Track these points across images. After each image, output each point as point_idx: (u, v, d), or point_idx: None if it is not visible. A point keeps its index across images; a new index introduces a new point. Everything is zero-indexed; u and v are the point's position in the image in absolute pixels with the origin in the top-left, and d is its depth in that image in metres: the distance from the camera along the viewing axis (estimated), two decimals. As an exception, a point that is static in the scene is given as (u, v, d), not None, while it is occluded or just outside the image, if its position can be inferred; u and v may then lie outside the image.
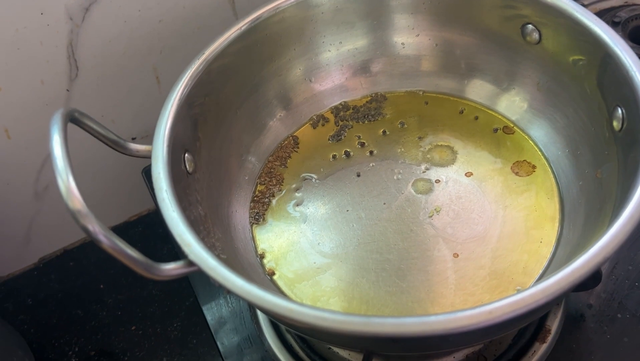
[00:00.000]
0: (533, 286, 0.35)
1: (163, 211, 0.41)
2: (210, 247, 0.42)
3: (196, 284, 0.62)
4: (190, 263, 0.40)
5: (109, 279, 0.78)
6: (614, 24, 0.71)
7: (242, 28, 0.54)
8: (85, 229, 0.36)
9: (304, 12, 0.57)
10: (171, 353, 0.71)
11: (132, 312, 0.75)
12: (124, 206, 0.82)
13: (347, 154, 0.60)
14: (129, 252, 0.37)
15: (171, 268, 0.40)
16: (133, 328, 0.74)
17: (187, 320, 0.74)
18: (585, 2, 0.77)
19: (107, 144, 0.46)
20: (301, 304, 0.36)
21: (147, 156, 0.46)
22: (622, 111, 0.46)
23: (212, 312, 0.59)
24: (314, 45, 0.60)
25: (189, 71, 0.50)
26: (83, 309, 0.76)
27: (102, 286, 0.78)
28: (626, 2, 0.76)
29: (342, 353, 0.53)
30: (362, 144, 0.60)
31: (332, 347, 0.53)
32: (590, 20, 0.48)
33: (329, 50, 0.61)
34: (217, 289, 0.60)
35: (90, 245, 0.83)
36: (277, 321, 0.47)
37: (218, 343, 0.57)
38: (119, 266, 0.81)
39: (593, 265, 0.35)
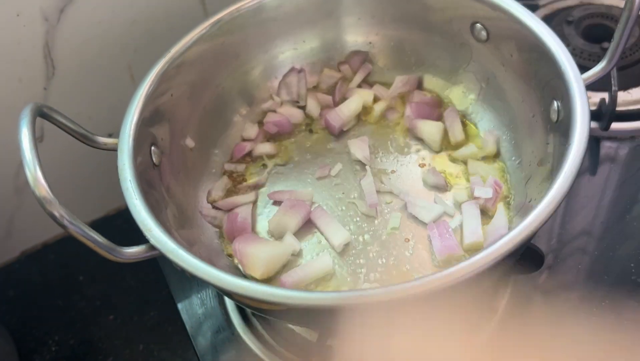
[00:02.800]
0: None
1: (127, 198, 0.45)
2: (173, 234, 0.45)
3: (171, 281, 0.65)
4: (152, 247, 0.43)
5: (88, 271, 0.81)
6: (567, 23, 0.74)
7: (207, 28, 0.57)
8: (52, 216, 0.39)
9: (267, 13, 0.60)
10: (148, 340, 0.74)
11: (110, 302, 0.78)
12: (104, 200, 0.84)
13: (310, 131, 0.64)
14: (93, 236, 0.40)
15: (133, 251, 0.43)
16: (111, 317, 0.76)
17: (163, 309, 0.76)
18: (542, 2, 0.80)
19: (76, 138, 0.49)
20: (253, 282, 0.39)
21: (115, 149, 0.49)
22: (557, 103, 0.49)
23: (186, 308, 0.62)
24: (278, 44, 0.63)
25: (155, 68, 0.53)
26: (63, 300, 0.79)
27: (81, 278, 0.80)
28: (581, 2, 0.79)
29: (304, 333, 0.56)
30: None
31: (294, 329, 0.57)
32: (530, 20, 0.52)
33: (294, 49, 0.65)
34: (190, 286, 0.63)
35: (69, 239, 0.84)
36: (236, 301, 0.50)
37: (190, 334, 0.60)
38: (97, 259, 0.85)
39: (519, 241, 0.38)
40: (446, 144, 0.61)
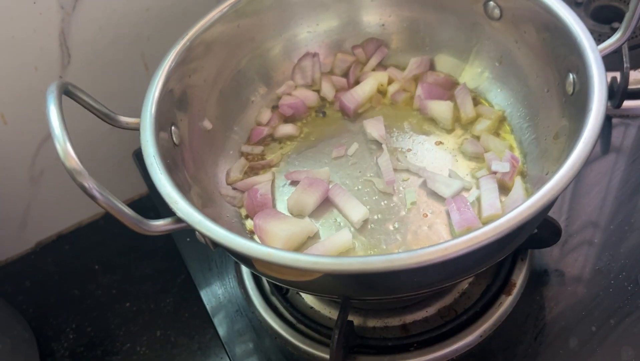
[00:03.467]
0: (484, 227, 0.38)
1: (152, 173, 0.45)
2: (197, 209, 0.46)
3: (190, 265, 0.65)
4: (178, 220, 0.43)
5: (104, 261, 0.82)
6: (576, 5, 0.75)
7: (223, 10, 0.57)
8: (82, 186, 0.39)
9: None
10: (165, 326, 0.74)
11: (126, 291, 0.79)
12: (117, 190, 0.83)
13: (323, 113, 0.64)
14: (121, 208, 0.41)
15: (160, 224, 0.43)
16: (127, 304, 0.77)
17: (179, 296, 0.77)
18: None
19: (98, 117, 0.50)
20: (278, 249, 0.40)
21: (136, 128, 0.49)
22: (573, 76, 0.50)
23: (206, 291, 0.62)
24: (292, 26, 0.64)
25: (174, 50, 0.54)
26: (79, 289, 0.79)
27: (97, 267, 0.81)
28: (589, -16, 0.80)
29: (323, 311, 0.57)
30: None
31: (313, 306, 0.57)
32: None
33: (308, 32, 0.65)
34: (210, 268, 0.63)
35: (84, 229, 0.86)
36: (260, 273, 0.50)
37: (210, 314, 0.60)
38: (112, 248, 0.86)
39: (537, 208, 0.39)
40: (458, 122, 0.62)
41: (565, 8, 0.51)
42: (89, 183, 0.39)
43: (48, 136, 0.73)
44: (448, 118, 0.60)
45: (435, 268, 0.39)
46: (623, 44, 0.49)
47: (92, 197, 0.40)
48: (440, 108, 0.61)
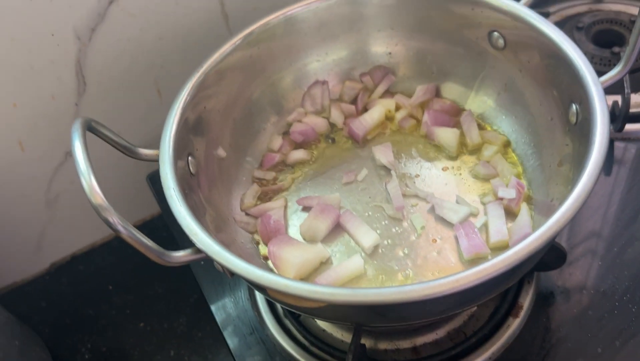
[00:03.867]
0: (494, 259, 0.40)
1: (172, 206, 0.47)
2: (214, 238, 0.48)
3: (203, 285, 0.67)
4: (197, 250, 0.45)
5: (117, 281, 0.83)
6: (577, 29, 0.77)
7: (236, 43, 0.59)
8: (107, 221, 0.41)
9: (292, 27, 0.63)
10: (178, 346, 0.76)
11: (140, 310, 0.80)
12: (130, 211, 0.87)
13: (332, 140, 0.67)
14: (144, 241, 0.42)
15: (181, 255, 0.45)
16: (141, 324, 0.79)
17: (192, 316, 0.79)
18: (552, 10, 0.83)
19: (119, 150, 0.52)
20: (294, 280, 0.41)
21: (155, 160, 0.51)
22: (576, 106, 0.52)
23: (219, 310, 0.64)
24: (302, 56, 0.66)
25: (190, 82, 0.56)
26: (94, 309, 0.81)
27: (110, 287, 0.83)
28: (590, 8, 0.82)
29: (336, 334, 0.58)
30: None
31: (326, 329, 0.59)
32: (547, 27, 0.54)
33: (317, 61, 0.67)
34: (223, 289, 0.65)
35: (97, 250, 0.88)
36: (275, 300, 0.52)
37: (225, 336, 0.62)
38: (126, 269, 0.88)
39: (545, 239, 0.41)
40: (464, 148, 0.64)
41: (568, 41, 0.53)
42: (114, 218, 0.41)
43: (63, 162, 0.75)
44: (453, 145, 0.62)
45: (445, 299, 0.40)
46: (624, 76, 0.51)
47: (117, 231, 0.41)
48: (446, 135, 0.63)
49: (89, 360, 0.76)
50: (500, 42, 0.60)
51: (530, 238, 0.41)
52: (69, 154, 0.75)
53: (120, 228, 0.41)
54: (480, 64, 0.63)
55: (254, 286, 0.47)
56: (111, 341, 0.78)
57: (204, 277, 0.67)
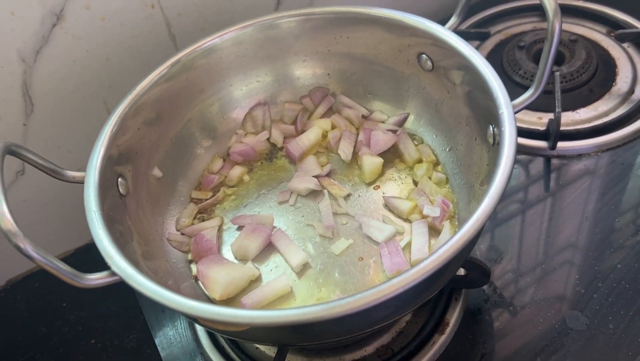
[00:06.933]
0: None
1: (91, 228, 0.48)
2: (140, 264, 0.49)
3: (145, 311, 0.68)
4: (113, 273, 0.46)
5: (72, 298, 0.84)
6: (519, 48, 0.78)
7: (169, 67, 0.61)
8: (17, 247, 0.42)
9: (221, 53, 0.65)
10: (127, 362, 0.77)
11: (92, 327, 0.81)
12: (86, 228, 0.88)
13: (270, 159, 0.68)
14: (57, 264, 0.44)
15: (96, 277, 0.46)
16: (93, 341, 0.79)
17: (142, 332, 0.79)
18: (498, 28, 0.85)
19: (46, 173, 0.53)
20: (202, 303, 0.42)
21: (82, 182, 0.53)
22: (493, 128, 0.53)
23: (160, 336, 0.65)
24: (236, 80, 0.68)
25: (121, 106, 0.57)
26: (47, 326, 0.82)
27: (64, 304, 0.84)
28: (534, 27, 0.84)
29: (268, 352, 0.59)
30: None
31: (259, 347, 0.60)
32: (467, 50, 0.56)
33: (257, 81, 0.69)
34: (164, 316, 0.66)
35: (54, 267, 0.89)
36: (191, 321, 0.53)
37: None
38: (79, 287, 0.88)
39: (442, 261, 0.42)
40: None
41: (485, 64, 0.54)
42: (24, 244, 0.42)
43: (14, 180, 0.76)
44: (374, 173, 0.64)
45: (352, 318, 0.41)
46: (535, 99, 0.52)
47: (29, 256, 0.43)
48: (368, 162, 0.64)
49: (39, 377, 0.77)
50: (429, 64, 0.61)
51: (426, 261, 0.42)
52: (20, 173, 0.76)
53: (32, 253, 0.42)
54: (412, 84, 0.64)
55: (165, 307, 0.48)
56: (62, 358, 0.78)
57: (145, 299, 0.68)
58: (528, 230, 0.64)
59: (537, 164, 0.70)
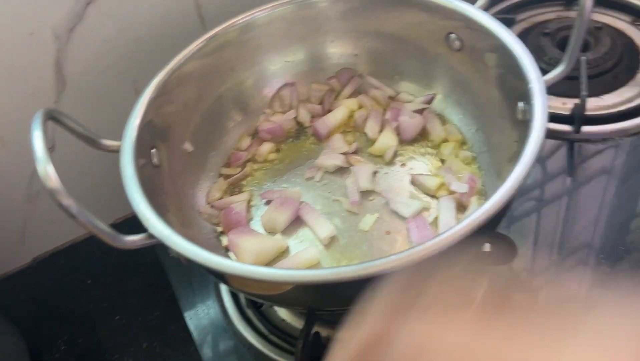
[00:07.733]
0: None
1: (128, 192, 0.49)
2: (173, 227, 0.50)
3: (175, 283, 0.69)
4: (151, 236, 0.47)
5: (96, 275, 0.85)
6: (544, 35, 0.79)
7: (203, 43, 0.62)
8: (61, 205, 0.43)
9: (256, 30, 0.66)
10: (151, 338, 0.78)
11: (116, 304, 0.82)
12: (111, 208, 0.89)
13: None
14: (98, 224, 0.45)
15: (134, 239, 0.47)
16: (117, 318, 0.80)
17: (166, 310, 0.81)
18: (522, 16, 0.85)
19: (83, 141, 0.54)
20: (242, 264, 0.44)
21: (118, 150, 0.54)
22: (521, 104, 0.54)
23: (188, 310, 0.67)
24: (267, 58, 0.69)
25: (156, 79, 0.59)
26: (72, 302, 0.83)
27: (89, 282, 0.85)
28: (558, 15, 0.85)
29: (294, 323, 0.60)
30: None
31: (285, 318, 0.61)
32: (498, 28, 0.57)
33: (285, 61, 0.70)
34: (193, 290, 0.67)
35: (79, 245, 0.90)
36: (226, 284, 0.54)
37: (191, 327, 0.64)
38: (105, 264, 0.89)
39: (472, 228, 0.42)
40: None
41: (517, 42, 0.55)
42: (68, 201, 0.43)
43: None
44: (391, 150, 0.65)
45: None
46: (566, 75, 0.53)
47: (71, 215, 0.44)
48: (385, 136, 0.65)
49: (65, 351, 0.78)
50: (457, 43, 0.62)
51: (462, 223, 0.43)
52: (51, 149, 0.77)
53: (74, 211, 0.44)
54: (439, 64, 0.65)
55: (203, 269, 0.49)
56: (87, 334, 0.80)
57: (173, 272, 0.69)
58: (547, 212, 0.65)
59: (561, 151, 0.71)
